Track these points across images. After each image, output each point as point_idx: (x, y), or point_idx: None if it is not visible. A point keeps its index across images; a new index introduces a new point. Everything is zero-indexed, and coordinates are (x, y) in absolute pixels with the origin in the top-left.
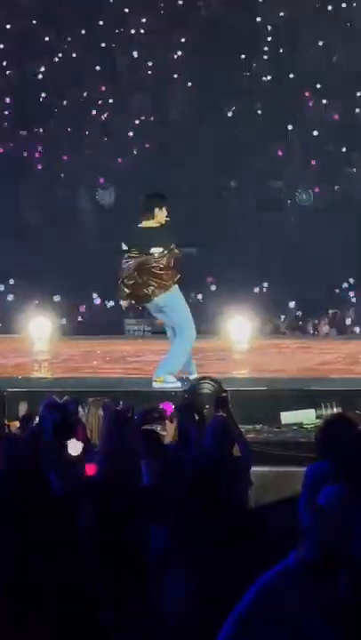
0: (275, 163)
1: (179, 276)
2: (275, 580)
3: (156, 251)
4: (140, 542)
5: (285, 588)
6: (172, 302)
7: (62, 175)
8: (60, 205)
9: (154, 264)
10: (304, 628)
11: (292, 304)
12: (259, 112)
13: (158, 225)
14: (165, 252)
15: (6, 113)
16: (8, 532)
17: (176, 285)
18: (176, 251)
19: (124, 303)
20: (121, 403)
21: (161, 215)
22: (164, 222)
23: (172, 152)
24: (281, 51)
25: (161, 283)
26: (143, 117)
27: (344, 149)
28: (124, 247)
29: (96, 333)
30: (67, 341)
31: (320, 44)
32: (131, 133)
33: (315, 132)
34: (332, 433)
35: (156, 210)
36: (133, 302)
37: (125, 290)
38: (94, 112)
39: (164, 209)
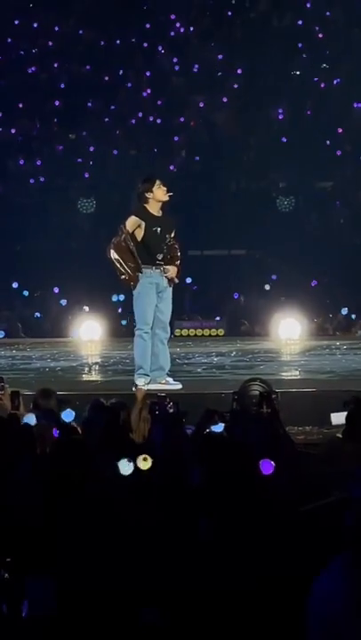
0: (324, 164)
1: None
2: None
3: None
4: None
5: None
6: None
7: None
8: None
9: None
10: None
11: (344, 310)
12: (308, 113)
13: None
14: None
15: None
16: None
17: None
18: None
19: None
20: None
21: (157, 194)
22: (166, 198)
23: (220, 153)
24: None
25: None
26: (190, 120)
27: None
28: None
29: None
30: (116, 343)
31: None
32: (176, 138)
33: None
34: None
35: (147, 194)
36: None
37: None
38: (140, 114)
39: (155, 188)
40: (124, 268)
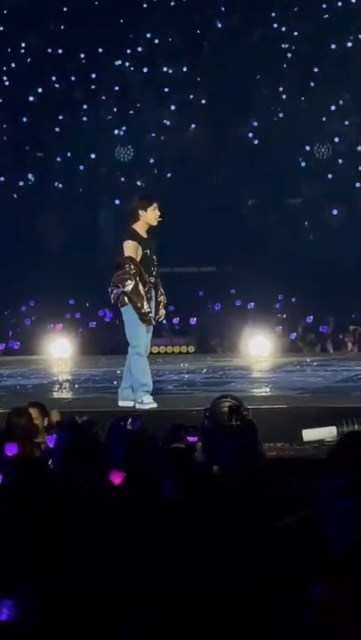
0: (294, 179)
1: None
2: None
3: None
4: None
5: None
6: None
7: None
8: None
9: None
10: None
11: (309, 319)
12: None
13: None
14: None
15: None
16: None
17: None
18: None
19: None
20: (130, 420)
21: (149, 216)
22: (155, 223)
23: (190, 169)
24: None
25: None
26: (153, 134)
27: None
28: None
29: (115, 353)
30: (87, 361)
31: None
32: (148, 151)
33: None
34: (350, 449)
35: (140, 212)
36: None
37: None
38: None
39: (149, 209)
40: (142, 302)
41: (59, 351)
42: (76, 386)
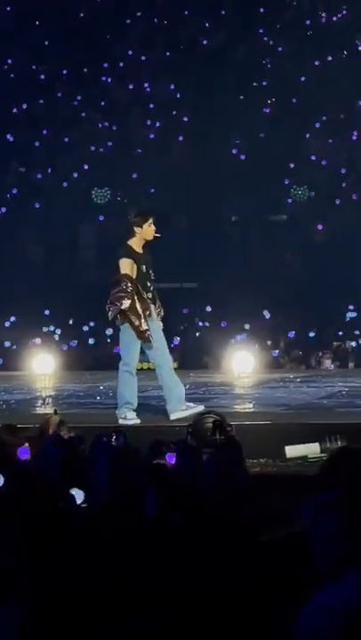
0: (277, 196)
1: None
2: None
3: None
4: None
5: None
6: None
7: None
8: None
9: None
10: None
11: (291, 334)
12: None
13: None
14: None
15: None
16: None
17: None
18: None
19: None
20: (114, 436)
21: (145, 232)
22: (151, 238)
23: (172, 185)
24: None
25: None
26: (137, 149)
27: (344, 184)
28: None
29: (98, 368)
30: (69, 376)
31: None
32: (131, 167)
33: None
34: (338, 466)
35: (136, 228)
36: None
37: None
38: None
39: (145, 226)
40: (140, 320)
41: (41, 367)
42: (60, 401)
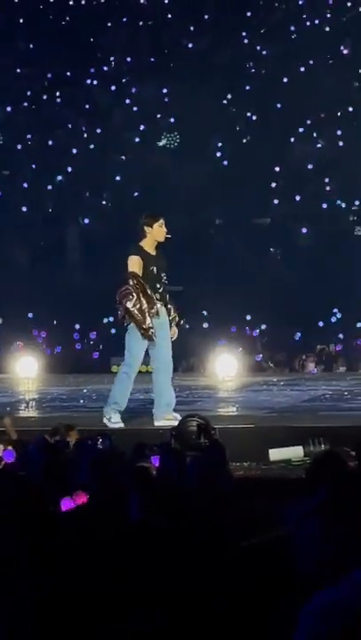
0: (262, 200)
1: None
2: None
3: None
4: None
5: None
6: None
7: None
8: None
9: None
10: None
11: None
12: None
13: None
14: None
15: None
16: None
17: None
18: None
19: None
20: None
21: (155, 232)
22: (162, 239)
23: (158, 188)
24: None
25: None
26: (121, 152)
27: (328, 188)
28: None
29: (81, 371)
30: (53, 379)
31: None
32: (115, 169)
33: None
34: (322, 470)
35: (146, 228)
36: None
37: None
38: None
39: (155, 226)
40: (143, 317)
41: (25, 370)
42: (43, 404)
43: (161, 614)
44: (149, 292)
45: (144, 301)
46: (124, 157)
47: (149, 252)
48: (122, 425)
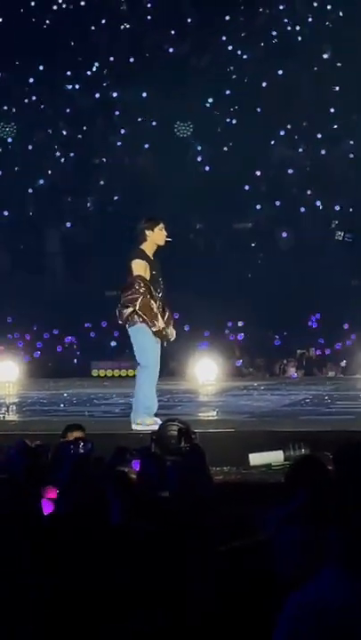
0: (243, 204)
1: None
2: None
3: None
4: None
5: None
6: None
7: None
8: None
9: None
10: None
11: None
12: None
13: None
14: None
15: None
16: None
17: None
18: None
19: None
20: (81, 444)
21: (156, 236)
22: (163, 243)
23: (140, 192)
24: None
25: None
26: (103, 157)
27: (309, 192)
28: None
29: (62, 376)
30: (33, 383)
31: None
32: (97, 174)
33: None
34: (302, 474)
35: (148, 232)
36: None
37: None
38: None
39: (156, 229)
40: (157, 318)
41: (5, 374)
42: (24, 409)
43: (136, 617)
44: (155, 294)
45: (154, 304)
46: (105, 160)
47: (150, 257)
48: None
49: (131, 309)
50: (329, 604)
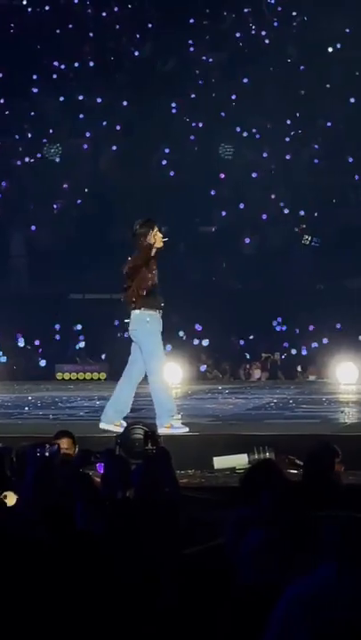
0: (207, 208)
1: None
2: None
3: None
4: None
5: None
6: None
7: None
8: None
9: None
10: None
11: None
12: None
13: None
14: None
15: None
16: None
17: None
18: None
19: None
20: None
21: (153, 240)
22: (160, 245)
23: (105, 195)
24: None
25: None
26: (67, 160)
27: (273, 196)
28: None
29: (26, 379)
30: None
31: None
32: (62, 177)
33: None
34: (257, 479)
35: (143, 238)
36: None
37: None
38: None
39: (151, 233)
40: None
41: None
42: None
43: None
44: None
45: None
46: (69, 164)
47: (151, 257)
48: (186, 429)
49: (137, 293)
50: (323, 597)
